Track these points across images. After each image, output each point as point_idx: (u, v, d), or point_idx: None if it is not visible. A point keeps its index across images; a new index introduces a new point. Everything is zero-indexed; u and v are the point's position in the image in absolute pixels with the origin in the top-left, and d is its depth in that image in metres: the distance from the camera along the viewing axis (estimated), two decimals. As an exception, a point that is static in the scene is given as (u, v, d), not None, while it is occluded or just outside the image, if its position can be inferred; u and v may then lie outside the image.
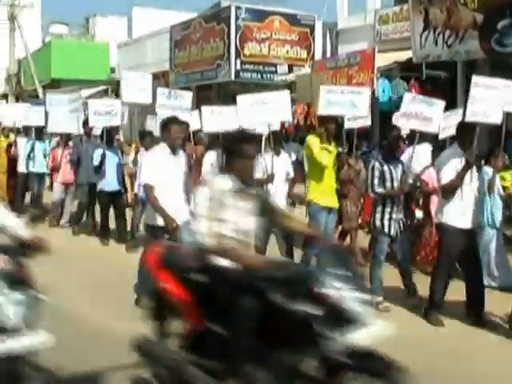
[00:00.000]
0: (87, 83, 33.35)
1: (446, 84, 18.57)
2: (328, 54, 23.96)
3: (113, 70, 35.35)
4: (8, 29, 37.50)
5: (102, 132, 13.03)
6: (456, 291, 8.24)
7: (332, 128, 9.31)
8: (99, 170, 12.57)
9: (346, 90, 10.28)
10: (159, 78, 28.61)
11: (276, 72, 23.74)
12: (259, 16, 23.61)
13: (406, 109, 9.05)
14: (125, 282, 7.97)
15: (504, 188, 9.83)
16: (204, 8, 28.34)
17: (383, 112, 16.96)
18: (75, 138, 14.92)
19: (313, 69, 20.67)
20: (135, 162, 12.09)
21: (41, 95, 31.35)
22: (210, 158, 10.96)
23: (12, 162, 16.34)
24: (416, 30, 16.36)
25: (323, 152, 9.11)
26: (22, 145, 15.80)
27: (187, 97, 12.68)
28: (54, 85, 35.94)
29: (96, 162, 12.57)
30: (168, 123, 8.31)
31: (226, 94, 24.99)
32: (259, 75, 23.55)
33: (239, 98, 11.07)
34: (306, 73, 20.76)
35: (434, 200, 9.33)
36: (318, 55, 24.18)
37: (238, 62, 23.24)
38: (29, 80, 36.49)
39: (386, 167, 8.50)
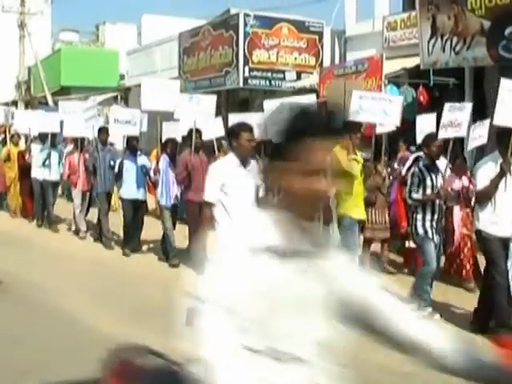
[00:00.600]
0: (97, 90, 33.44)
1: (453, 90, 18.55)
2: (336, 61, 23.95)
3: (122, 77, 35.43)
4: (18, 36, 37.63)
5: (128, 140, 13.04)
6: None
7: (357, 138, 9.12)
8: (119, 177, 12.61)
9: (378, 97, 10.08)
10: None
11: (284, 79, 23.74)
12: (267, 23, 23.63)
13: (445, 120, 9.00)
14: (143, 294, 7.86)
15: None
16: (213, 15, 28.42)
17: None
18: (87, 145, 15.00)
19: (321, 76, 20.67)
20: (156, 170, 12.00)
21: (50, 102, 31.47)
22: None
23: (24, 170, 16.32)
24: (424, 37, 16.36)
25: (352, 163, 8.94)
26: (36, 152, 15.81)
27: (211, 101, 12.14)
28: (64, 92, 36.02)
29: (115, 169, 12.66)
30: (237, 129, 7.59)
31: (234, 101, 25.04)
32: (267, 82, 23.56)
33: (266, 104, 11.12)
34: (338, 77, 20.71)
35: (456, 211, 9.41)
36: (326, 62, 24.16)
37: (247, 68, 23.26)
38: (38, 87, 36.61)
39: (427, 174, 8.46)
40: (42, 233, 15.37)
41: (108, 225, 13.47)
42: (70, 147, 16.13)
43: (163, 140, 13.17)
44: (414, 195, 8.34)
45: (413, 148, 13.21)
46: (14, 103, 40.19)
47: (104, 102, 30.83)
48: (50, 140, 15.55)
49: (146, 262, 11.90)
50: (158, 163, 11.98)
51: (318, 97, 20.49)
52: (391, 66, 17.94)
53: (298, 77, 23.84)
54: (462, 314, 8.46)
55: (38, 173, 15.71)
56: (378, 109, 9.72)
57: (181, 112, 11.83)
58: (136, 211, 12.68)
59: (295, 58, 23.96)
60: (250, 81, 23.25)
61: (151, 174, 12.23)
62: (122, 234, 13.22)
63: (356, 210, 9.13)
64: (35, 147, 16.11)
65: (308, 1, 43.37)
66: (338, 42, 24.45)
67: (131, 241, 12.74)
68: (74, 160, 14.51)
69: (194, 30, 26.70)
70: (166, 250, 12.01)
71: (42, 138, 16.20)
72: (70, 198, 16.49)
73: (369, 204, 9.96)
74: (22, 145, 17.92)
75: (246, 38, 23.19)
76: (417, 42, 17.48)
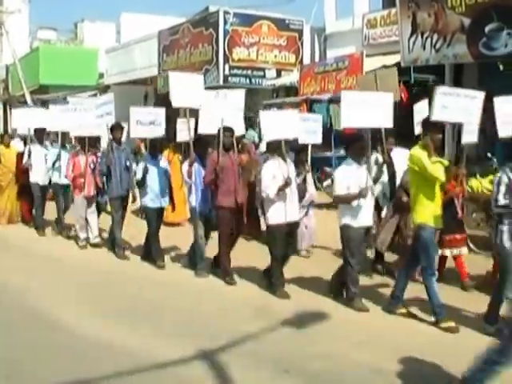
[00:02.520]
0: (76, 88, 33.24)
1: (434, 87, 18.60)
2: (316, 59, 23.99)
3: (101, 76, 35.25)
4: (-5, 34, 37.44)
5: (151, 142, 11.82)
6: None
7: (438, 138, 8.15)
8: (142, 184, 11.41)
9: (462, 94, 8.67)
10: (148, 84, 28.63)
11: (264, 76, 23.76)
12: (247, 21, 23.61)
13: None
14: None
15: None
16: (192, 13, 28.34)
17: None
18: (95, 144, 13.39)
19: (301, 73, 20.67)
20: (190, 172, 10.65)
21: (29, 101, 31.22)
22: (272, 168, 9.36)
23: (22, 174, 15.14)
24: (404, 34, 16.39)
25: (437, 165, 7.93)
26: (38, 154, 14.63)
27: (239, 96, 11.12)
28: (43, 90, 35.81)
29: (139, 175, 11.38)
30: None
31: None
32: (248, 80, 23.55)
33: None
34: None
35: None
36: (306, 60, 24.20)
37: (227, 66, 23.24)
38: (17, 86, 36.31)
39: None
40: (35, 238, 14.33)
41: (121, 233, 12.34)
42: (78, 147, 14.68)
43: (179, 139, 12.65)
44: (502, 201, 7.50)
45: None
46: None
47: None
48: (61, 139, 14.31)
49: (144, 266, 11.63)
50: (191, 165, 10.59)
51: (297, 94, 20.57)
52: (371, 64, 17.95)
53: (278, 74, 23.87)
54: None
55: (38, 177, 14.61)
56: (461, 106, 8.56)
57: (207, 108, 10.82)
58: (159, 219, 11.75)
59: (275, 56, 23.97)
60: (230, 79, 23.22)
61: (185, 176, 10.77)
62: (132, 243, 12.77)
63: (435, 218, 8.06)
64: (35, 148, 14.85)
65: (287, -2, 43.28)
66: (318, 40, 24.50)
67: (159, 252, 11.54)
68: (80, 161, 13.05)
69: (173, 28, 26.63)
70: (192, 260, 10.94)
71: (39, 136, 15.03)
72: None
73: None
74: (20, 146, 16.61)
75: (226, 36, 23.17)
76: (397, 39, 17.51)
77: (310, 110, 18.17)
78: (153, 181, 11.42)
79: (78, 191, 13.05)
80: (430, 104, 9.10)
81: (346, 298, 8.82)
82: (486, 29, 14.27)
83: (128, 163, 12.25)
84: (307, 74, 20.39)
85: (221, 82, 23.15)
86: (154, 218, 11.49)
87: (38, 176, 14.67)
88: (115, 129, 12.38)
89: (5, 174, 15.73)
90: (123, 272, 11.00)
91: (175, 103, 10.76)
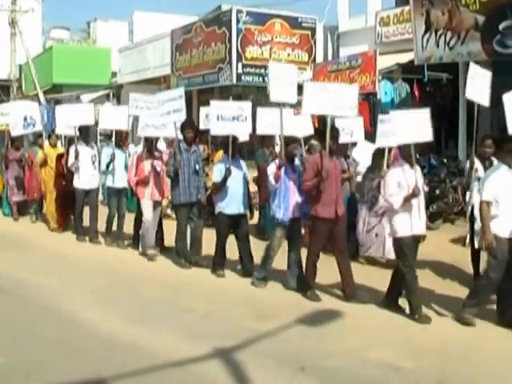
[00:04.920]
0: (89, 88, 33.35)
1: (447, 86, 18.57)
2: (329, 57, 23.94)
3: (114, 75, 35.33)
4: (9, 34, 37.47)
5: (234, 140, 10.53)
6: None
7: None
8: (222, 187, 10.21)
9: None
10: (161, 83, 28.66)
11: (277, 75, 23.69)
12: (260, 19, 23.58)
13: None
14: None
15: None
16: (205, 12, 28.35)
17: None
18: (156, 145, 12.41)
19: (314, 72, 20.65)
20: (278, 176, 9.57)
21: (43, 100, 31.29)
22: (397, 175, 8.42)
23: (60, 177, 14.20)
24: (418, 32, 16.32)
25: None
26: (86, 155, 13.38)
27: (352, 92, 9.74)
28: (56, 90, 35.95)
29: (217, 178, 10.25)
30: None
31: (227, 98, 24.97)
32: (261, 78, 23.48)
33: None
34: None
35: None
36: (319, 58, 24.15)
37: (240, 65, 23.20)
38: (30, 85, 36.44)
39: None
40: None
41: (187, 244, 11.29)
42: (136, 149, 13.89)
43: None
44: None
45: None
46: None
47: (96, 99, 30.78)
48: (115, 140, 13.08)
49: (149, 264, 11.63)
50: (280, 167, 9.53)
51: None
52: (385, 62, 17.92)
53: (292, 73, 23.79)
54: None
55: (84, 181, 13.39)
56: None
57: (310, 104, 9.33)
58: (237, 227, 10.46)
59: (288, 55, 23.91)
60: (243, 77, 23.18)
61: (272, 180, 9.58)
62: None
63: None
64: (83, 149, 13.42)
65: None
66: (331, 38, 24.45)
67: (244, 264, 10.48)
68: (144, 165, 11.91)
69: (186, 27, 26.63)
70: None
71: (84, 135, 13.67)
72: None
73: None
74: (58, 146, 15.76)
75: (239, 35, 23.14)
76: (410, 37, 17.45)
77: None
78: (234, 185, 10.21)
79: (142, 195, 11.94)
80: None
81: (410, 310, 8.25)
82: (501, 26, 14.21)
83: (197, 167, 11.18)
84: (320, 72, 20.33)
85: (234, 81, 23.14)
86: (227, 226, 10.35)
87: (84, 180, 13.43)
88: (186, 127, 11.23)
89: (52, 177, 14.67)
90: (150, 274, 11.01)
91: (274, 98, 9.87)
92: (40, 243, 13.31)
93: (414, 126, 8.34)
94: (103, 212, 13.52)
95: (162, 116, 11.56)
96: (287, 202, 9.49)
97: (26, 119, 15.46)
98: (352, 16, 23.63)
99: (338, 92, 9.22)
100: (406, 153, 8.41)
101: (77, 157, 13.26)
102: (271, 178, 9.60)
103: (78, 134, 13.65)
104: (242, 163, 10.56)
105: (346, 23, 23.52)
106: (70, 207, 14.05)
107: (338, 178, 9.23)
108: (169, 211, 14.81)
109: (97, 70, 36.39)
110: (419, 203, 8.25)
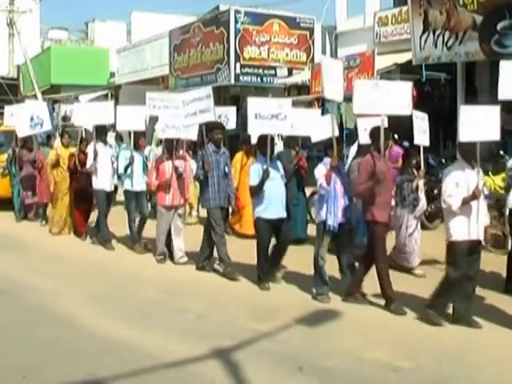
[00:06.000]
0: (87, 88, 33.34)
1: (445, 85, 18.58)
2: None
3: (112, 75, 35.34)
4: (7, 34, 37.48)
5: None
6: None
7: None
8: (259, 192, 9.45)
9: None
10: (159, 83, 28.66)
11: (276, 75, 23.73)
12: (258, 19, 23.60)
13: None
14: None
15: None
16: (202, 12, 28.38)
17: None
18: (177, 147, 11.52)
19: (312, 72, 20.63)
20: (329, 178, 8.91)
21: (40, 101, 31.27)
22: (456, 175, 7.92)
23: (75, 178, 13.47)
24: (416, 32, 16.35)
25: None
26: (105, 155, 12.76)
27: (405, 89, 9.12)
28: (54, 90, 35.95)
29: (254, 180, 9.54)
30: None
31: (226, 98, 24.98)
32: (259, 79, 23.54)
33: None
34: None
35: None
36: (317, 58, 24.15)
37: (238, 65, 23.23)
38: (28, 86, 36.43)
39: None
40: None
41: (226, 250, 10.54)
42: (155, 150, 13.61)
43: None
44: None
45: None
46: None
47: (94, 100, 30.75)
48: (134, 141, 12.39)
49: (148, 263, 11.58)
50: (332, 168, 8.94)
51: (309, 92, 20.55)
52: (383, 62, 17.94)
53: (290, 73, 23.83)
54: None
55: (104, 182, 12.80)
56: None
57: (361, 103, 8.89)
58: (277, 232, 9.72)
59: (286, 54, 23.95)
60: (241, 77, 23.21)
61: (323, 183, 8.89)
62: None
63: None
64: (102, 149, 12.82)
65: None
66: (329, 38, 24.49)
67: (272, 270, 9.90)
68: (165, 167, 11.28)
69: (184, 27, 26.65)
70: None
71: (101, 134, 12.99)
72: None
73: None
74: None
75: (237, 35, 23.16)
76: (408, 37, 17.49)
77: (322, 108, 18.13)
78: (271, 187, 9.47)
79: (162, 200, 11.30)
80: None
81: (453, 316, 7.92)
82: (498, 26, 14.24)
83: (227, 169, 10.71)
84: (319, 72, 20.27)
85: (232, 81, 23.17)
86: (268, 231, 9.60)
87: (104, 181, 12.83)
88: (215, 128, 10.69)
89: (65, 179, 14.03)
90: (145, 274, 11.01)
91: (328, 95, 9.31)
92: (39, 245, 13.25)
93: (481, 123, 7.77)
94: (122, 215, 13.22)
95: (187, 117, 11.16)
96: (337, 206, 8.93)
97: (32, 119, 14.84)
98: (350, 16, 23.66)
99: (390, 90, 8.80)
100: (468, 152, 7.84)
101: (95, 157, 12.65)
102: (322, 181, 8.89)
103: (94, 132, 12.87)
104: (279, 164, 9.91)
105: (344, 23, 23.55)
106: (87, 210, 13.74)
107: (392, 180, 8.89)
108: (192, 219, 14.71)
109: (95, 71, 36.42)
110: (479, 207, 7.73)
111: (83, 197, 13.44)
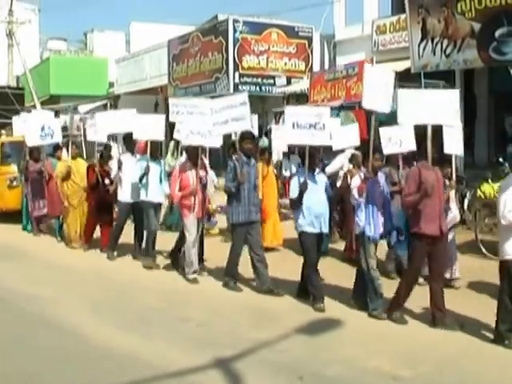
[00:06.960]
0: (86, 98, 33.38)
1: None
2: (326, 66, 24.00)
3: (111, 85, 35.38)
4: (6, 45, 37.53)
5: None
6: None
7: None
8: (299, 204, 8.95)
9: None
10: (158, 93, 28.70)
11: (274, 84, 23.78)
12: (257, 29, 23.67)
13: None
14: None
15: None
16: (201, 22, 28.41)
17: (382, 123, 16.95)
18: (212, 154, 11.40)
19: (311, 81, 20.67)
20: (362, 189, 8.70)
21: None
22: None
23: (94, 190, 13.03)
24: (414, 40, 16.38)
25: None
26: (130, 166, 12.12)
27: (453, 97, 8.74)
28: (53, 100, 35.98)
29: (293, 193, 9.06)
30: None
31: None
32: (258, 88, 23.58)
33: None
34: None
35: None
36: (316, 67, 24.22)
37: (237, 74, 23.28)
38: (27, 96, 36.48)
39: None
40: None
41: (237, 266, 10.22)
42: (179, 159, 12.93)
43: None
44: None
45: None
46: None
47: (93, 110, 30.78)
48: (151, 150, 11.72)
49: (148, 272, 11.54)
50: (365, 180, 8.71)
51: (307, 101, 20.57)
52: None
53: (288, 82, 23.88)
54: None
55: (129, 194, 12.24)
56: None
57: (406, 114, 8.54)
58: (319, 246, 9.30)
59: (285, 64, 24.01)
60: (240, 87, 23.23)
61: (355, 194, 8.75)
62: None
63: None
64: (127, 159, 12.34)
65: (297, 6, 43.37)
66: (328, 47, 24.52)
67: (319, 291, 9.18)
68: (188, 177, 10.70)
69: (182, 37, 26.71)
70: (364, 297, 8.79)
71: (128, 144, 12.61)
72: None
73: None
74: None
75: (236, 44, 23.22)
76: (406, 45, 17.50)
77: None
78: (311, 201, 8.93)
79: (186, 212, 10.73)
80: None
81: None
82: (496, 34, 14.27)
83: (257, 181, 10.26)
84: (317, 81, 20.34)
85: (231, 90, 23.17)
86: (314, 246, 9.09)
87: (129, 193, 12.28)
88: (246, 138, 10.06)
89: (76, 192, 13.76)
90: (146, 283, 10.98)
91: (367, 105, 8.93)
92: (40, 254, 13.22)
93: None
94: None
95: (216, 125, 10.54)
96: (376, 217, 8.64)
97: (43, 129, 14.56)
98: (348, 25, 23.70)
99: (436, 99, 8.48)
100: None
101: (120, 167, 12.24)
102: (355, 192, 8.73)
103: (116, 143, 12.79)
104: (322, 176, 9.38)
105: (342, 32, 23.58)
106: (102, 221, 13.28)
107: (441, 191, 8.36)
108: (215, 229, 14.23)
109: (94, 81, 36.47)
110: None
111: (104, 208, 13.12)
